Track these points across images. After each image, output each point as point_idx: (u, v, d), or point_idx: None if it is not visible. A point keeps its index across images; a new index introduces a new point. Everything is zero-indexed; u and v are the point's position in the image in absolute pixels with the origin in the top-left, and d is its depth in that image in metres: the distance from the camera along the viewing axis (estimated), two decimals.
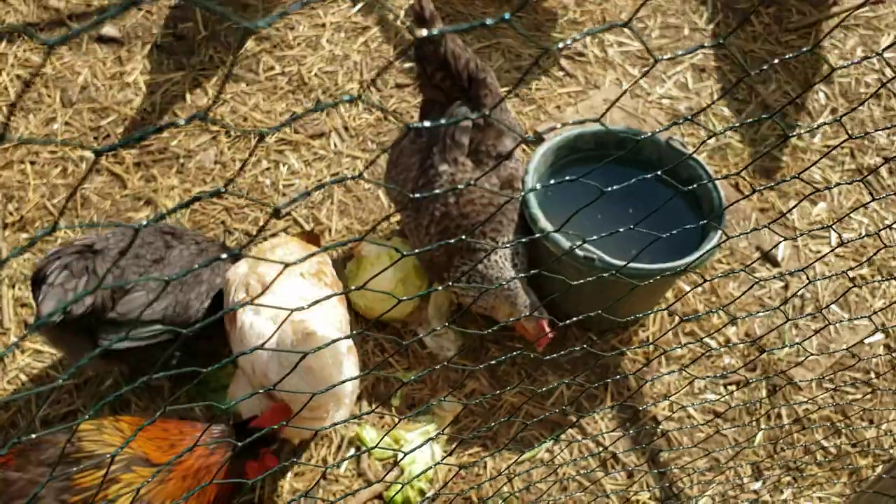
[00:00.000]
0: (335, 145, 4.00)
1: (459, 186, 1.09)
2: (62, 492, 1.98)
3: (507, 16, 0.86)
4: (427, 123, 0.97)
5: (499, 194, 2.04)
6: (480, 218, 3.04)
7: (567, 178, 1.24)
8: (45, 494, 1.95)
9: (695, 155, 3.51)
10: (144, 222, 0.82)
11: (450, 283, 2.00)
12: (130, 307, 2.64)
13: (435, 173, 3.05)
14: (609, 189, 1.24)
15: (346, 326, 2.83)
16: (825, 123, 1.58)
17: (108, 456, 1.87)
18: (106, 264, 2.59)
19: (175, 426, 2.39)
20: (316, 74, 4.27)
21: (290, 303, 2.28)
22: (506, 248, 2.97)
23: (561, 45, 1.08)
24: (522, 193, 3.10)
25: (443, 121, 1.02)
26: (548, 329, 3.04)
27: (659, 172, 1.42)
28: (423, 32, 2.64)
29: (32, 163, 3.81)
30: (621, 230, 1.54)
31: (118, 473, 2.07)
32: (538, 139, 3.99)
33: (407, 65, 4.35)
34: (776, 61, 1.45)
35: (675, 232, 1.77)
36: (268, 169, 3.90)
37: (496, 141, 3.11)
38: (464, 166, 3.05)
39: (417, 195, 1.07)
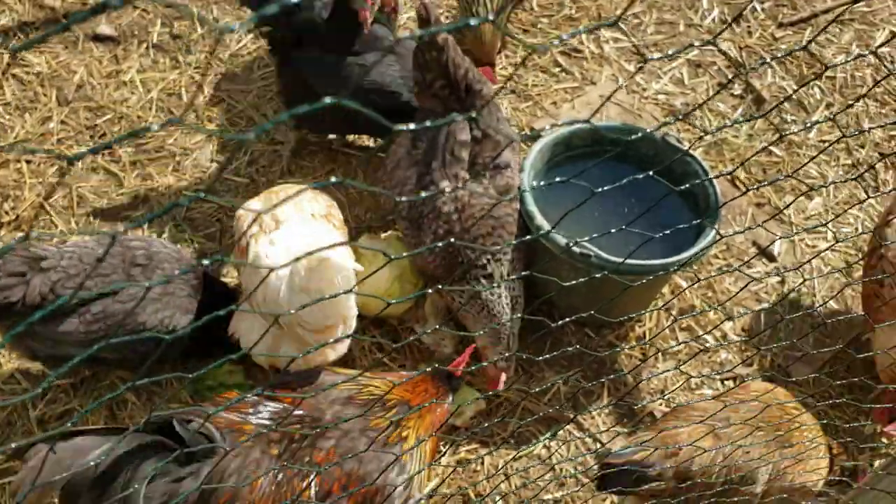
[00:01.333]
0: (331, 142, 4.00)
1: (444, 194, 1.09)
2: (364, 430, 2.35)
3: (490, 16, 0.86)
4: (412, 126, 0.97)
5: (499, 200, 2.07)
6: (481, 231, 3.01)
7: (558, 178, 1.24)
8: (352, 428, 2.33)
9: (691, 151, 3.52)
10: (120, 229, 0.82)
11: (455, 301, 2.03)
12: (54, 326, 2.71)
13: (436, 189, 2.99)
14: (600, 190, 1.25)
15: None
16: (819, 122, 1.58)
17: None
18: (46, 280, 2.66)
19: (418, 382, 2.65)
20: None
21: (302, 238, 2.67)
22: (505, 286, 3.03)
23: (557, 41, 1.08)
24: (520, 191, 3.10)
25: (428, 123, 1.02)
26: (501, 383, 3.06)
27: (651, 173, 1.42)
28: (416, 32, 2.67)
29: (28, 162, 3.81)
30: (614, 231, 1.54)
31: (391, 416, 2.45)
32: (535, 136, 3.99)
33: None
34: (770, 59, 1.45)
35: (668, 232, 1.77)
36: (263, 167, 3.90)
37: (493, 152, 3.08)
38: (464, 182, 3.03)
39: (406, 199, 1.07)
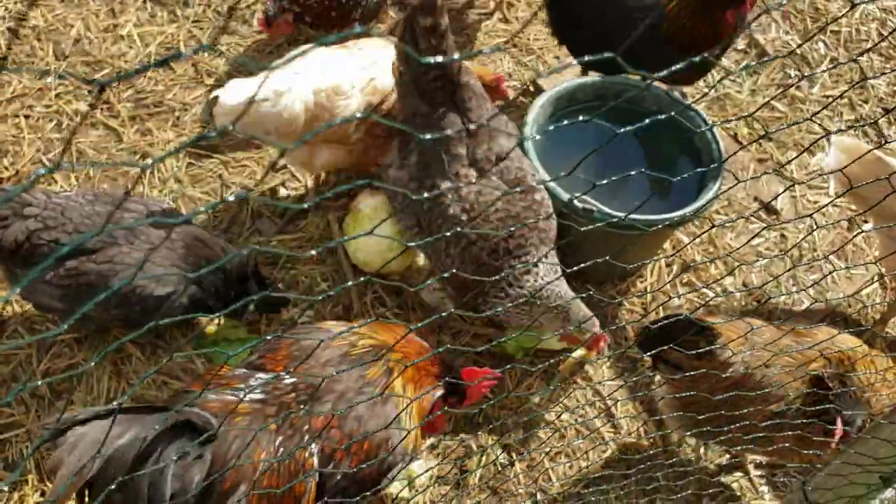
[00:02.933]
0: None
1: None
2: (361, 389, 2.31)
3: None
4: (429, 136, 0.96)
5: (507, 193, 2.00)
6: (502, 233, 2.77)
7: (566, 122, 1.23)
8: (349, 388, 2.30)
9: (694, 105, 3.50)
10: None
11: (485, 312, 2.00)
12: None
13: (439, 193, 2.80)
14: (621, 130, 1.23)
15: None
16: (823, 71, 1.57)
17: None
18: (24, 227, 2.69)
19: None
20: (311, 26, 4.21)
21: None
22: (541, 263, 2.78)
23: None
24: (521, 142, 3.07)
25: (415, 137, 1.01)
26: (602, 343, 2.89)
27: (660, 117, 1.41)
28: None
29: (27, 117, 3.78)
30: (615, 178, 1.54)
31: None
32: (537, 89, 3.97)
33: (402, 14, 4.29)
34: (775, 9, 1.43)
35: (676, 179, 1.77)
36: None
37: (491, 143, 2.85)
38: (467, 178, 2.80)
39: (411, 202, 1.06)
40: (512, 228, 2.74)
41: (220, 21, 4.20)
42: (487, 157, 2.81)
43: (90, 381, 3.08)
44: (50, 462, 1.95)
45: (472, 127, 2.81)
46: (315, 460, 2.23)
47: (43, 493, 2.83)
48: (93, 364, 1.16)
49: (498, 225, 2.77)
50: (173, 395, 2.62)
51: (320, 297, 1.44)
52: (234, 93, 2.91)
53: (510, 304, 2.72)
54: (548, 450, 3.10)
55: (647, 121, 1.39)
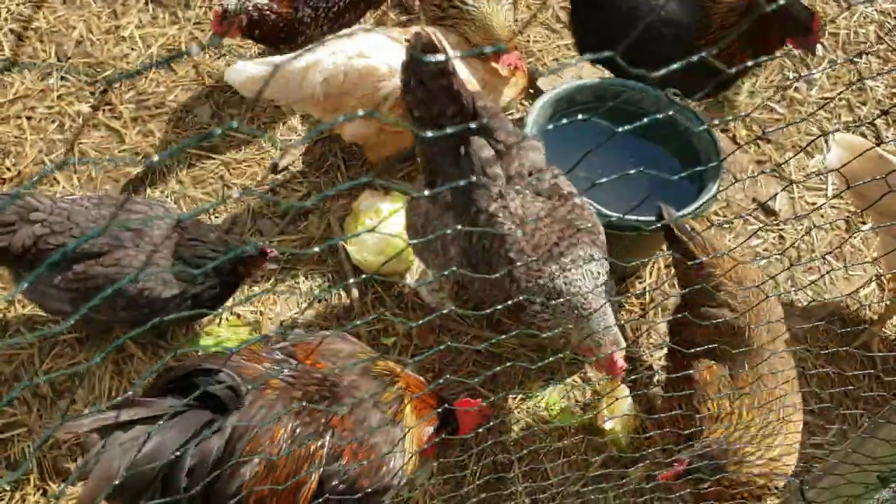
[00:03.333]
0: None
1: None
2: (376, 404, 2.41)
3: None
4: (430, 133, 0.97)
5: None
6: (552, 240, 2.67)
7: (565, 120, 1.24)
8: (366, 399, 2.39)
9: (693, 107, 3.52)
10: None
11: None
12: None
13: (488, 217, 2.66)
14: (619, 129, 1.25)
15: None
16: (821, 72, 1.58)
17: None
18: (31, 232, 2.71)
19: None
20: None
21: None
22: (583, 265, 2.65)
23: None
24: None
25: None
26: (620, 366, 2.67)
27: (657, 116, 1.42)
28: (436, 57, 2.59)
29: (29, 118, 3.80)
30: (615, 177, 1.55)
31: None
32: (536, 91, 3.99)
33: (403, 17, 4.32)
34: (771, 9, 1.45)
35: (675, 177, 1.78)
36: (265, 123, 3.90)
37: (521, 158, 2.78)
38: (509, 195, 2.70)
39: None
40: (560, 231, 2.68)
41: None
42: (520, 173, 2.75)
43: (92, 380, 3.10)
44: (77, 471, 1.99)
45: (500, 147, 2.75)
46: (324, 453, 2.29)
47: (45, 493, 2.85)
48: (95, 362, 1.17)
49: (547, 232, 2.67)
50: (206, 355, 2.62)
51: (320, 297, 1.45)
52: (235, 72, 3.22)
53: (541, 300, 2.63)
54: (546, 449, 3.11)
55: (644, 120, 1.40)
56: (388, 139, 3.54)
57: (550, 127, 3.36)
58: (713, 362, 2.65)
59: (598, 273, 2.65)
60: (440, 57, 2.65)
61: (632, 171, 1.54)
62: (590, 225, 2.73)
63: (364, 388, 2.41)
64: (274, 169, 3.74)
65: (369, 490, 2.32)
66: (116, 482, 1.92)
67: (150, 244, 2.82)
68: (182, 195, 3.61)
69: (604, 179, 1.44)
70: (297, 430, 2.27)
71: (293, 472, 2.24)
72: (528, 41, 4.30)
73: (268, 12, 3.49)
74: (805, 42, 3.27)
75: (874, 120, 4.09)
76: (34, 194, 2.79)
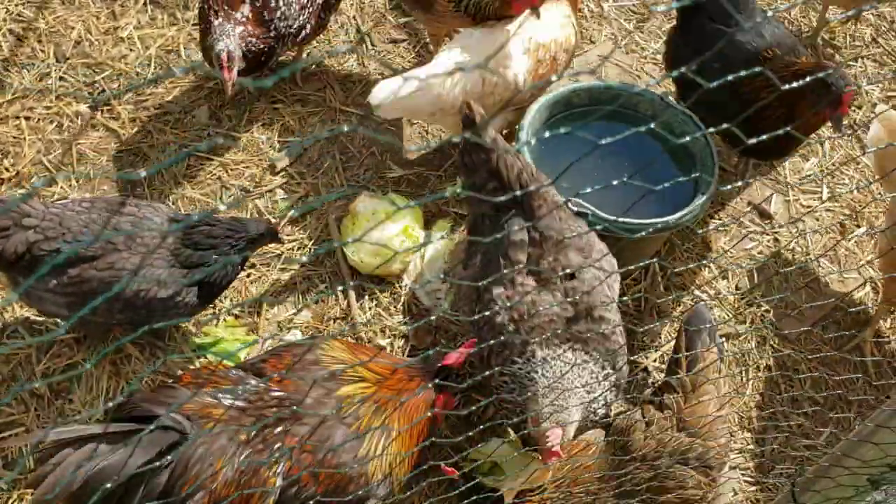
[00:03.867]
0: (330, 100, 4.01)
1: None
2: (342, 420, 2.36)
3: None
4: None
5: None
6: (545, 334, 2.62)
7: (563, 130, 1.26)
8: (329, 416, 2.33)
9: (688, 111, 3.54)
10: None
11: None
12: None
13: (490, 298, 2.68)
14: (603, 142, 1.27)
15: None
16: (818, 76, 1.60)
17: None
18: (24, 238, 2.71)
19: (386, 358, 2.68)
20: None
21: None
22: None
23: None
24: (517, 148, 3.10)
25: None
26: (554, 449, 2.51)
27: (652, 125, 1.44)
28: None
29: (27, 118, 3.81)
30: (615, 183, 1.57)
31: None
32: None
33: (402, 20, 4.33)
34: (769, 14, 1.47)
35: (667, 186, 1.80)
36: (263, 125, 3.91)
37: (558, 255, 2.71)
38: (522, 287, 2.66)
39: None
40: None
41: None
42: (553, 269, 2.67)
43: (89, 380, 3.11)
44: (32, 477, 2.00)
45: (535, 235, 2.72)
46: (279, 480, 2.23)
47: None
48: (88, 367, 1.19)
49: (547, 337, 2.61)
50: (157, 387, 2.63)
51: (317, 299, 1.47)
52: (381, 91, 3.17)
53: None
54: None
55: (646, 126, 1.42)
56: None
57: (547, 135, 3.37)
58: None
59: (583, 377, 2.58)
60: (481, 139, 2.69)
61: (615, 182, 1.55)
62: (607, 343, 2.64)
63: (329, 404, 2.33)
64: (273, 169, 3.75)
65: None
66: (58, 493, 1.94)
67: (143, 246, 2.83)
68: (180, 196, 3.62)
69: (588, 190, 1.46)
70: (247, 459, 2.20)
71: (243, 502, 2.20)
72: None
73: (252, 39, 3.41)
74: (834, 116, 3.08)
75: (868, 123, 4.11)
76: (27, 200, 2.79)
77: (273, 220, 3.01)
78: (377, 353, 2.69)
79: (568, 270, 2.65)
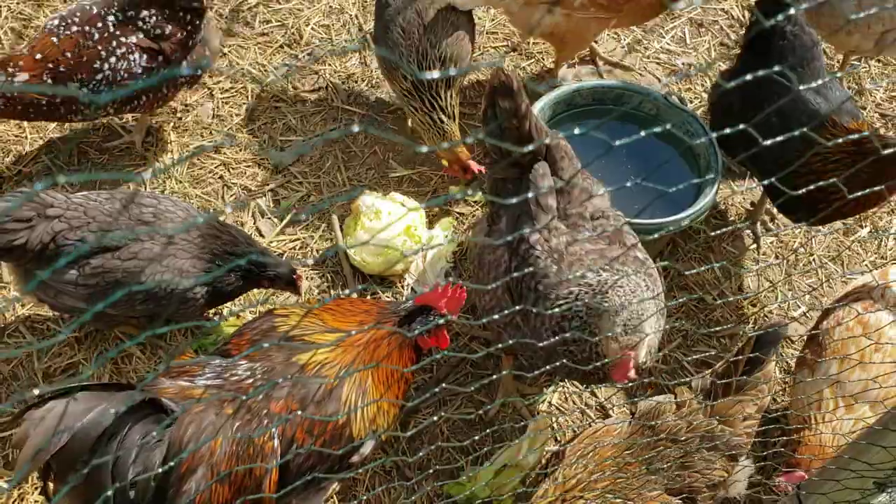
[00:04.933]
0: (332, 100, 3.99)
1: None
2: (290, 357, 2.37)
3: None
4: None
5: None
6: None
7: (577, 131, 1.24)
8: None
9: (692, 111, 3.53)
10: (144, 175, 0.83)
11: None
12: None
13: (527, 248, 2.60)
14: (617, 143, 1.25)
15: None
16: (822, 80, 1.59)
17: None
18: (49, 228, 2.69)
19: (350, 301, 2.63)
20: (312, 28, 4.24)
21: None
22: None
23: None
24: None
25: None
26: (630, 371, 2.39)
27: (657, 129, 1.43)
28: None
29: None
30: (628, 185, 1.56)
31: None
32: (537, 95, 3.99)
33: None
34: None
35: (672, 190, 1.79)
36: (265, 124, 3.90)
37: (586, 201, 2.69)
38: (557, 230, 2.61)
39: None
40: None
41: (222, 23, 4.22)
42: (581, 214, 2.65)
43: (90, 380, 3.10)
44: (15, 437, 1.97)
45: (563, 185, 2.67)
46: (276, 443, 2.25)
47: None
48: (86, 375, 1.18)
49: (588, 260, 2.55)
50: (135, 381, 2.63)
51: (319, 302, 1.46)
52: None
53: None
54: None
55: (655, 130, 1.41)
56: (575, 27, 3.58)
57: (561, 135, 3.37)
58: None
59: (643, 293, 2.41)
60: (510, 103, 2.60)
61: (628, 184, 1.54)
62: (646, 267, 2.57)
63: (296, 365, 2.35)
64: (276, 168, 3.74)
65: (341, 452, 2.30)
66: (43, 450, 1.90)
67: (164, 236, 2.83)
68: (182, 195, 3.61)
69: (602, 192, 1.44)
70: (238, 433, 2.21)
71: (247, 474, 2.21)
72: (529, 44, 4.30)
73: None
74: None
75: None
76: (45, 192, 2.78)
77: (298, 270, 3.03)
78: (342, 309, 2.61)
79: (594, 213, 2.64)
